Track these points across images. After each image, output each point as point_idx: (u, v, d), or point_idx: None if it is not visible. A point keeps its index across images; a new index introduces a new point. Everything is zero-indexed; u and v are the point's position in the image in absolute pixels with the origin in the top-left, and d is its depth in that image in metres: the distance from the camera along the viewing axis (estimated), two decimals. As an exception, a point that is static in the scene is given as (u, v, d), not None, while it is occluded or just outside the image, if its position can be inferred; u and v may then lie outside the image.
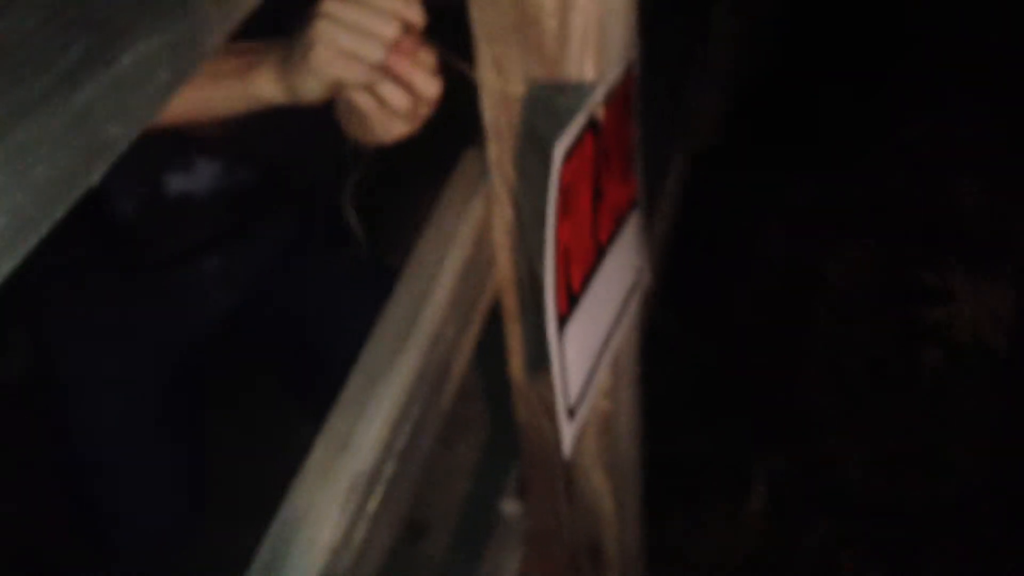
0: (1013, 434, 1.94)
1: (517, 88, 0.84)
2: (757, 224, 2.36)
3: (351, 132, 0.91)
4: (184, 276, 1.22)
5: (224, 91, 0.88)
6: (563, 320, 0.80)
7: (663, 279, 2.02)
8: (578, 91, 0.81)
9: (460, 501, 1.25)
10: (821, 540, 1.84)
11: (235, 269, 1.23)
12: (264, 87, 0.87)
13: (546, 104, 0.83)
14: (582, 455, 1.11)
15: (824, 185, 2.43)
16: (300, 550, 0.71)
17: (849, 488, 1.90)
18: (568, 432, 0.83)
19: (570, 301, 0.82)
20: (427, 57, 0.83)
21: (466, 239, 0.92)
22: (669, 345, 2.00)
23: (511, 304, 0.98)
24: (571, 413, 0.83)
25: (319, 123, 1.03)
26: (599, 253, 0.87)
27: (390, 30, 0.80)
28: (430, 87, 0.83)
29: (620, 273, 0.95)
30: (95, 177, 0.44)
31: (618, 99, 0.87)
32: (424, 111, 0.86)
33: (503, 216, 0.93)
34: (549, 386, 1.02)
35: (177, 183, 1.11)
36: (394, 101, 0.83)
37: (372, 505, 0.75)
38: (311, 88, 0.84)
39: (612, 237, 0.90)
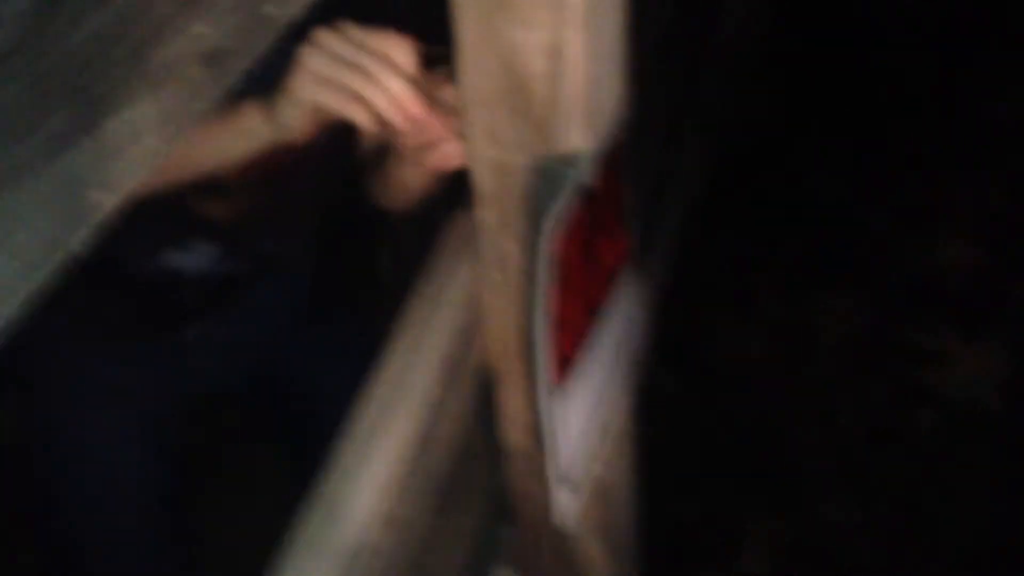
0: (1010, 495, 1.92)
1: (506, 154, 0.84)
2: (749, 280, 2.36)
3: (379, 194, 0.92)
4: (169, 343, 1.21)
5: (212, 136, 0.89)
6: (556, 389, 0.79)
7: (657, 336, 2.02)
8: (569, 158, 0.81)
9: (452, 567, 1.22)
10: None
11: (220, 337, 1.22)
12: (248, 119, 0.88)
13: (536, 171, 0.83)
14: (577, 524, 1.09)
15: (815, 243, 2.44)
16: (288, 623, 0.69)
17: (844, 552, 1.88)
18: (564, 502, 0.81)
19: (564, 369, 0.81)
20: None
21: (456, 301, 0.91)
22: (663, 404, 1.99)
23: (501, 367, 0.98)
24: (567, 482, 0.81)
25: (314, 210, 1.03)
26: (592, 317, 0.87)
27: (369, 61, 0.82)
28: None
29: (614, 333, 0.95)
30: (78, 244, 0.43)
31: (609, 162, 0.87)
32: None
33: (492, 279, 0.93)
34: (541, 451, 1.01)
35: (173, 260, 1.11)
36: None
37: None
38: (290, 115, 0.85)
39: (606, 299, 0.90)
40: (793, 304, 2.31)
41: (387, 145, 0.99)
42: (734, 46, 2.61)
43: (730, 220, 2.45)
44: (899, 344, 2.22)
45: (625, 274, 0.98)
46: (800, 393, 2.14)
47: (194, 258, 1.11)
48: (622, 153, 0.90)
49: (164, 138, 0.47)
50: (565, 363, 0.81)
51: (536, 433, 0.96)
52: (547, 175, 0.82)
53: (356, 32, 0.86)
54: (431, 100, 0.88)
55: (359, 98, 0.84)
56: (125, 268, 1.10)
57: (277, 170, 0.98)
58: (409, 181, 1.04)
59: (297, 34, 0.81)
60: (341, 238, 1.14)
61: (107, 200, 0.44)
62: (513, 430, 1.01)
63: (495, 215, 0.88)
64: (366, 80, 0.84)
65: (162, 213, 0.91)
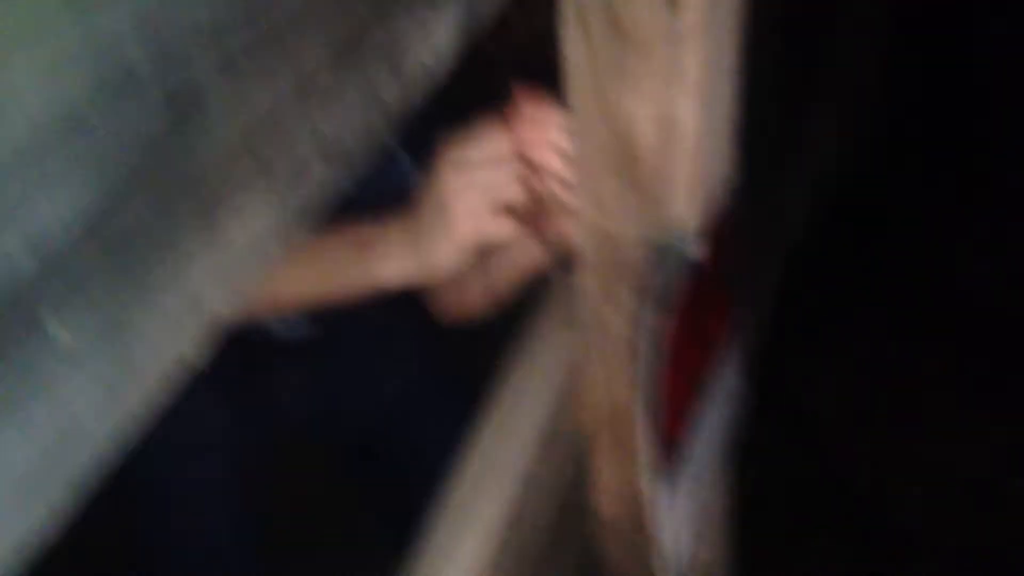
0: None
1: (612, 223, 0.81)
2: (850, 326, 2.29)
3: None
4: (264, 383, 1.21)
5: (341, 276, 0.84)
6: (663, 473, 0.76)
7: (757, 387, 1.96)
8: (679, 233, 0.79)
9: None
10: None
11: (314, 377, 1.22)
12: (391, 267, 0.82)
13: (646, 244, 0.80)
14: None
15: (918, 285, 2.36)
16: None
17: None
18: None
19: (670, 451, 0.78)
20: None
21: (555, 370, 0.89)
22: (759, 454, 1.94)
23: (596, 437, 0.95)
24: (674, 568, 0.79)
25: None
26: (697, 394, 0.84)
27: (516, 171, 0.78)
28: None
29: (718, 406, 0.91)
30: (200, 358, 0.42)
31: (717, 233, 0.84)
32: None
33: (590, 347, 0.90)
34: (636, 522, 0.98)
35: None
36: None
37: (456, 662, 0.72)
38: (449, 259, 0.79)
39: (709, 372, 0.87)
40: (898, 356, 2.23)
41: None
42: (841, 84, 2.55)
43: (831, 264, 2.39)
44: (1011, 400, 2.12)
45: (729, 345, 0.95)
46: (905, 449, 2.06)
47: (295, 327, 1.11)
48: (730, 224, 0.87)
49: (284, 242, 0.46)
50: (671, 445, 0.78)
51: (636, 514, 0.93)
52: (658, 250, 0.79)
53: (487, 143, 0.80)
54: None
55: (534, 217, 0.80)
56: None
57: None
58: (521, 259, 0.97)
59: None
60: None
61: (229, 309, 0.43)
62: (607, 501, 0.98)
63: (597, 283, 0.85)
64: (537, 188, 0.80)
65: None
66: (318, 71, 0.46)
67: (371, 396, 1.25)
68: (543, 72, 0.79)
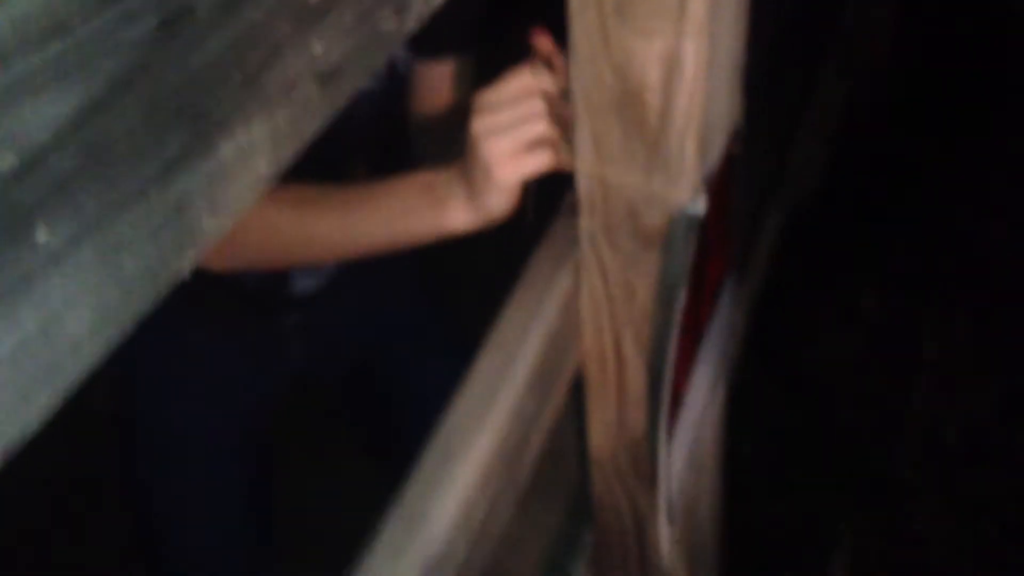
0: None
1: (615, 169, 0.81)
2: (851, 283, 2.29)
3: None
4: (266, 330, 1.22)
5: (413, 227, 0.90)
6: (668, 423, 0.77)
7: (752, 337, 1.98)
8: (679, 175, 0.79)
9: (532, 566, 1.22)
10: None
11: (317, 324, 1.23)
12: (459, 219, 0.88)
13: (648, 194, 0.80)
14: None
15: (923, 247, 2.36)
16: (367, 630, 0.69)
17: (938, 569, 1.82)
18: (665, 534, 0.80)
19: (675, 410, 0.79)
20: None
21: (552, 310, 0.90)
22: (756, 406, 1.95)
23: (594, 378, 0.96)
24: (670, 515, 0.80)
25: None
26: (699, 341, 0.84)
27: (541, 106, 0.81)
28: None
29: (715, 351, 0.92)
30: (186, 270, 0.43)
31: (720, 176, 0.84)
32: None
33: (592, 289, 0.91)
34: (628, 460, 0.99)
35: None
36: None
37: (442, 587, 0.73)
38: (503, 204, 0.85)
39: (709, 319, 0.88)
40: (898, 310, 2.23)
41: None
42: (853, 42, 2.52)
43: (838, 223, 2.38)
44: (1007, 357, 2.13)
45: (727, 285, 0.96)
46: (900, 400, 2.08)
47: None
48: (734, 167, 0.87)
49: (275, 161, 0.46)
50: (677, 402, 0.79)
51: (629, 453, 0.94)
52: (655, 189, 0.79)
53: (507, 84, 0.84)
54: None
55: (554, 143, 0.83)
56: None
57: None
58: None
59: None
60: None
61: (217, 225, 0.44)
62: (601, 439, 0.99)
63: (598, 225, 0.86)
64: (554, 124, 0.83)
65: None
66: (311, -10, 0.46)
67: (369, 332, 1.26)
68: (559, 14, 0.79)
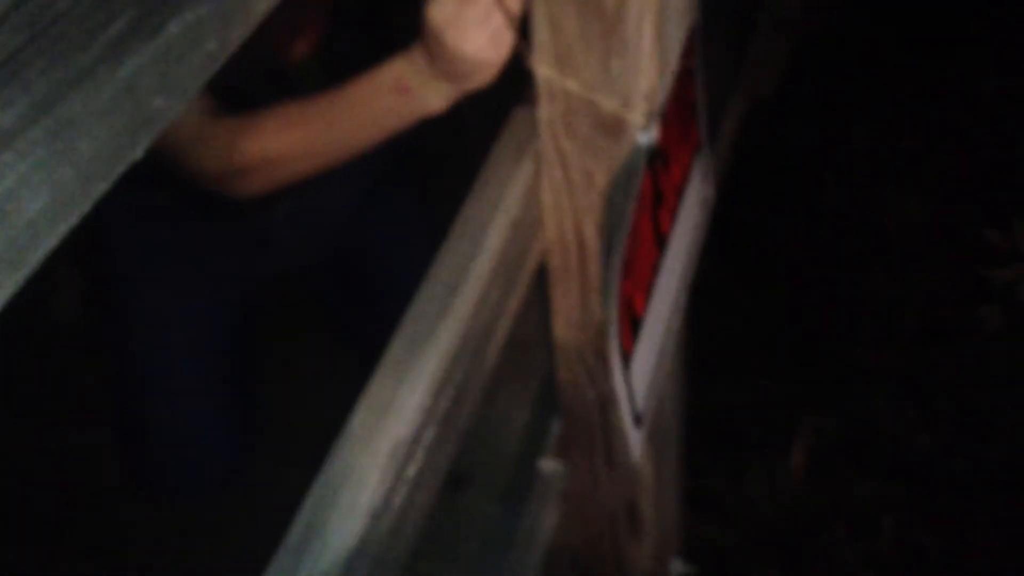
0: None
1: (572, 51, 0.81)
2: (813, 174, 2.30)
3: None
4: (253, 221, 1.22)
5: (396, 122, 0.92)
6: (627, 356, 0.79)
7: (713, 224, 1.99)
8: (636, 60, 0.78)
9: (499, 455, 1.25)
10: (862, 500, 1.83)
11: (304, 214, 1.23)
12: (439, 100, 0.90)
13: (602, 73, 0.80)
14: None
15: (884, 137, 2.37)
16: (340, 513, 0.71)
17: (895, 449, 1.88)
18: (637, 440, 0.82)
19: (634, 332, 0.80)
20: None
21: (514, 200, 0.90)
22: (717, 295, 1.98)
23: (556, 265, 0.97)
24: (638, 420, 0.82)
25: None
26: (662, 247, 0.85)
27: None
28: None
29: (682, 245, 0.93)
30: (139, 151, 0.43)
31: (682, 58, 0.84)
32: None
33: (552, 177, 0.91)
34: (591, 347, 1.01)
35: None
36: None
37: (412, 470, 0.75)
38: (493, 75, 0.86)
39: (673, 217, 0.89)
40: (860, 197, 2.25)
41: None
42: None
43: (799, 111, 2.38)
44: (968, 241, 2.15)
45: (697, 161, 0.96)
46: (861, 287, 2.11)
47: None
48: (694, 50, 0.87)
49: (225, 41, 0.46)
50: (635, 324, 0.80)
51: (593, 340, 0.96)
52: (612, 72, 0.79)
53: None
54: None
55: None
56: None
57: None
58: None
59: None
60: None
61: (169, 106, 0.43)
62: (565, 326, 1.01)
63: (557, 113, 0.86)
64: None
65: None
66: None
67: (355, 221, 1.27)
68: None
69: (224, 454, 1.35)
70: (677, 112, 0.87)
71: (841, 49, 2.54)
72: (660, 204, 0.86)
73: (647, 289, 0.84)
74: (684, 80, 0.87)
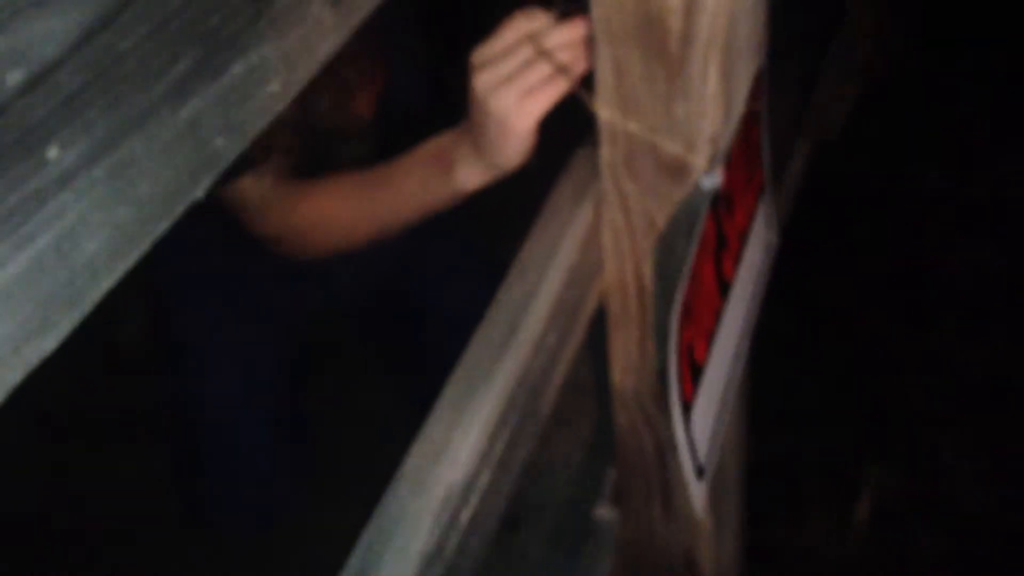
0: None
1: (636, 93, 0.80)
2: (881, 219, 2.26)
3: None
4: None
5: (433, 198, 0.93)
6: (688, 405, 0.77)
7: (777, 271, 1.96)
8: (700, 103, 0.77)
9: (554, 499, 1.23)
10: (925, 554, 1.78)
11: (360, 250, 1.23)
12: (473, 179, 0.90)
13: (666, 116, 0.79)
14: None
15: (955, 183, 2.32)
16: (392, 558, 0.70)
17: (960, 503, 1.82)
18: (700, 492, 0.80)
19: (695, 380, 0.79)
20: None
21: (573, 243, 0.89)
22: (781, 342, 1.94)
23: (616, 310, 0.96)
24: (701, 472, 0.80)
25: None
26: (724, 293, 0.84)
27: (539, 47, 0.81)
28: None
29: (750, 278, 0.91)
30: (200, 192, 0.43)
31: (748, 103, 0.83)
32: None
33: (613, 220, 0.90)
34: (650, 393, 0.99)
35: None
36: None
37: (465, 515, 0.74)
38: (519, 152, 0.86)
39: (739, 253, 0.87)
40: (929, 244, 2.20)
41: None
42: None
43: (867, 154, 2.34)
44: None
45: (761, 204, 0.95)
46: (927, 336, 2.06)
47: None
48: (760, 94, 0.86)
49: (288, 83, 0.46)
50: (696, 372, 0.79)
51: (652, 386, 0.94)
52: (676, 118, 0.78)
53: (500, 35, 0.84)
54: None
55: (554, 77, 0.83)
56: None
57: None
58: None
59: None
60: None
61: (230, 147, 0.43)
62: (623, 371, 0.99)
63: (619, 156, 0.85)
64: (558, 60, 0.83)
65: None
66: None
67: (405, 254, 1.27)
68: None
69: (279, 490, 1.35)
70: (742, 155, 0.86)
71: (911, 91, 2.50)
72: (723, 249, 0.85)
73: (709, 336, 0.83)
74: (750, 123, 0.86)
